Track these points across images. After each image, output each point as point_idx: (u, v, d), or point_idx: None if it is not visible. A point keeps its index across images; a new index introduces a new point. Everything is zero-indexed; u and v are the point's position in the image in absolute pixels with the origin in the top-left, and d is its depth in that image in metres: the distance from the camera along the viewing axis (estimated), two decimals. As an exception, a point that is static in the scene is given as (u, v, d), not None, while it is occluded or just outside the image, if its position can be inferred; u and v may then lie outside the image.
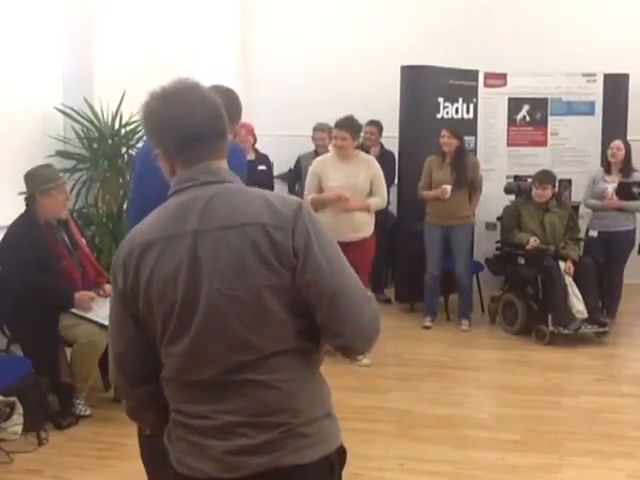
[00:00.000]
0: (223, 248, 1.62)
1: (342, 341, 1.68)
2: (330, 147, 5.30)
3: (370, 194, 5.31)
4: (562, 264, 5.99)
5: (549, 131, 7.45)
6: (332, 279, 1.63)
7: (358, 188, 5.20)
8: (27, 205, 4.35)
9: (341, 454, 1.76)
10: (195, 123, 1.68)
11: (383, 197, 5.41)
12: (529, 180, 6.62)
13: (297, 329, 1.66)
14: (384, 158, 7.21)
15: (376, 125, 7.18)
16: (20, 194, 4.36)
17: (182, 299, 1.64)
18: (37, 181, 4.27)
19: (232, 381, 1.64)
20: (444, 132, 6.21)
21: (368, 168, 5.28)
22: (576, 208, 6.81)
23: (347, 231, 5.05)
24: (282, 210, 1.64)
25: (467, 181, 6.26)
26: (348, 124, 5.19)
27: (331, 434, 1.73)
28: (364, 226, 5.27)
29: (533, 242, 6.07)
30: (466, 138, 6.63)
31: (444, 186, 6.09)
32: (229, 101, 2.78)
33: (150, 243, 1.67)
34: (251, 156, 6.65)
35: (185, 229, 1.65)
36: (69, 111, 5.25)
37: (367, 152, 7.17)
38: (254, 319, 1.63)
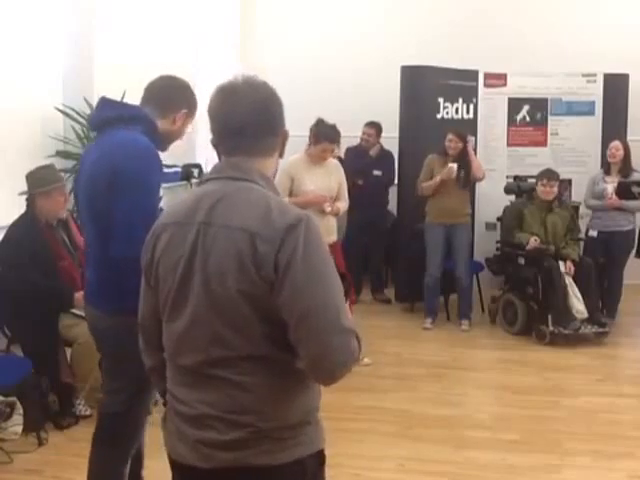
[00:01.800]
0: (216, 245, 1.67)
1: (304, 366, 1.64)
2: (304, 152, 5.20)
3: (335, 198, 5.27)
4: (562, 264, 5.99)
5: (549, 131, 7.46)
6: (304, 302, 1.59)
7: (331, 191, 5.16)
8: (27, 205, 4.35)
9: (317, 459, 1.76)
10: (234, 118, 1.73)
11: (347, 201, 5.38)
12: (529, 180, 6.63)
13: (270, 338, 1.65)
14: (384, 158, 7.23)
15: (375, 126, 7.18)
16: (20, 194, 4.36)
17: (178, 285, 1.71)
18: (37, 182, 4.26)
19: (211, 374, 1.69)
20: (451, 136, 6.18)
21: (337, 172, 5.25)
22: (576, 208, 6.82)
23: (324, 235, 4.99)
24: (277, 222, 1.63)
25: (470, 181, 6.26)
26: (339, 138, 5.17)
27: (308, 439, 1.73)
28: (334, 228, 5.24)
29: (533, 242, 6.07)
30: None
31: (450, 165, 6.08)
32: (170, 87, 2.78)
33: (167, 225, 1.77)
34: None
35: (194, 219, 1.71)
36: (69, 111, 5.25)
37: (366, 153, 7.19)
38: (230, 319, 1.65)
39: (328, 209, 5.03)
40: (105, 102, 2.84)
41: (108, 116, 2.73)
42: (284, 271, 1.59)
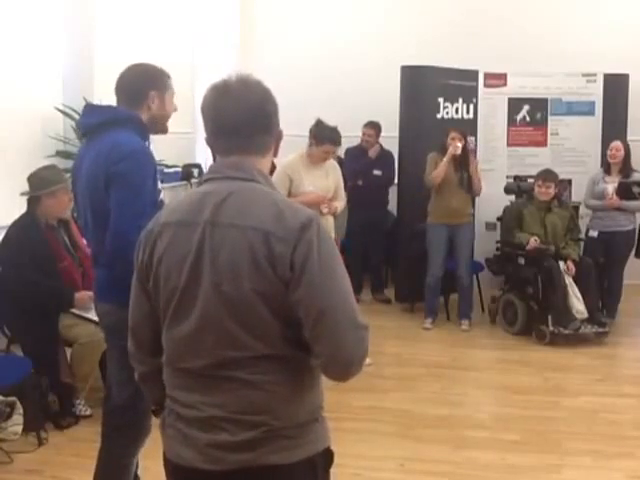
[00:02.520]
0: (225, 245, 1.65)
1: (320, 363, 1.66)
2: (304, 152, 5.17)
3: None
4: (562, 264, 5.99)
5: (549, 131, 7.46)
6: (322, 299, 1.60)
7: (329, 191, 5.13)
8: (28, 205, 4.35)
9: (326, 456, 1.77)
10: (229, 117, 1.72)
11: (344, 200, 5.38)
12: (529, 180, 6.62)
13: (286, 336, 1.65)
14: (384, 158, 7.22)
15: (374, 127, 7.18)
16: (22, 194, 4.35)
17: (184, 286, 1.68)
18: (42, 183, 4.26)
19: (220, 376, 1.67)
20: (454, 134, 6.16)
21: (334, 172, 5.23)
22: (576, 208, 6.82)
23: None
24: (290, 221, 1.63)
25: (472, 182, 6.26)
26: (340, 140, 5.15)
27: (316, 437, 1.74)
28: (332, 228, 5.18)
29: (533, 242, 6.07)
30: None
31: (455, 144, 6.08)
32: (133, 78, 2.81)
33: (168, 225, 1.74)
34: None
35: (199, 219, 1.69)
36: (69, 111, 5.25)
37: (365, 153, 7.18)
38: (244, 319, 1.64)
39: (325, 210, 4.98)
40: (93, 108, 2.95)
41: (103, 120, 2.80)
42: (300, 270, 1.60)
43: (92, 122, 2.85)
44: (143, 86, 2.79)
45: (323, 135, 5.03)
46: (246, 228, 1.63)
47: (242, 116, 1.72)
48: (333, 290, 1.62)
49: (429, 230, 6.36)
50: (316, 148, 5.05)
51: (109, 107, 2.92)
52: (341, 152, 7.22)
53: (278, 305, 1.62)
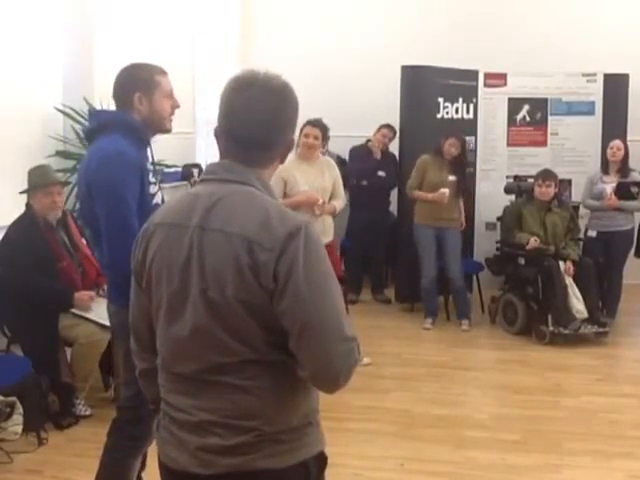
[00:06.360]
0: (212, 251, 1.62)
1: (307, 375, 1.62)
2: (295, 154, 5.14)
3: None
4: (562, 264, 5.99)
5: (549, 131, 7.47)
6: (306, 313, 1.56)
7: (325, 190, 5.08)
8: (27, 205, 4.35)
9: (319, 460, 1.75)
10: (240, 121, 1.67)
11: (344, 199, 5.34)
12: (529, 180, 6.63)
13: (272, 342, 1.62)
14: (388, 160, 7.18)
15: (394, 131, 7.13)
16: (22, 192, 4.36)
17: (174, 290, 1.67)
18: (32, 180, 4.31)
19: (211, 380, 1.65)
20: (453, 140, 6.16)
21: (330, 170, 5.18)
22: (576, 208, 6.82)
23: (320, 235, 4.89)
24: (277, 230, 1.58)
25: (464, 189, 6.26)
26: (321, 124, 5.11)
27: (309, 441, 1.71)
28: (331, 229, 5.16)
29: (533, 242, 6.07)
30: (466, 138, 6.62)
31: (442, 190, 6.07)
32: (117, 82, 2.80)
33: (161, 225, 1.72)
34: None
35: (190, 222, 1.66)
36: (69, 111, 5.25)
37: (369, 153, 7.15)
38: (229, 325, 1.62)
39: (318, 212, 4.92)
40: (92, 113, 2.96)
41: (96, 125, 2.81)
42: (284, 281, 1.55)
43: (89, 127, 2.89)
44: (127, 89, 2.75)
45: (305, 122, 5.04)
46: (232, 235, 1.60)
47: (252, 125, 1.66)
48: (319, 303, 1.57)
49: (416, 231, 6.33)
50: (299, 138, 5.02)
51: (103, 112, 2.94)
52: (343, 152, 7.24)
53: (262, 314, 1.59)
